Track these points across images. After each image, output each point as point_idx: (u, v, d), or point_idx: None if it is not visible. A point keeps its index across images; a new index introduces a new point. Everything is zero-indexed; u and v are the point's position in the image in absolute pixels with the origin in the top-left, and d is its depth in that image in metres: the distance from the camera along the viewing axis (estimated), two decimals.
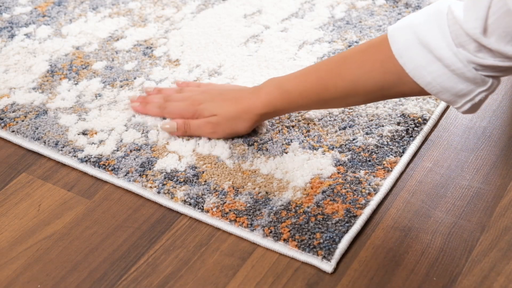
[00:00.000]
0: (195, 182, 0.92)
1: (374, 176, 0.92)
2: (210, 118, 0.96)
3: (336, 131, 0.99)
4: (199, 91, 1.01)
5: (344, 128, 1.00)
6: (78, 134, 1.01)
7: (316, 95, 0.90)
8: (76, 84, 1.10)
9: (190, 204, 0.90)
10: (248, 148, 0.97)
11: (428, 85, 0.81)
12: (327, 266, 0.82)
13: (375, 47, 0.86)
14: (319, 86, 0.90)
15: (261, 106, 0.94)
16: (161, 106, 1.01)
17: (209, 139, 0.98)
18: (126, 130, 1.01)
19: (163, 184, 0.92)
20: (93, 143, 0.99)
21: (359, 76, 0.86)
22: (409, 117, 1.01)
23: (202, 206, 0.89)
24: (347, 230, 0.85)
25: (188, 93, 1.01)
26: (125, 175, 0.94)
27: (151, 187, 0.92)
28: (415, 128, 0.99)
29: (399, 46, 0.81)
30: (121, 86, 1.09)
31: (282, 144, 0.98)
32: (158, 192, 0.91)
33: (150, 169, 0.94)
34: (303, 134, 0.99)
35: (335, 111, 1.02)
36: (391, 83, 0.84)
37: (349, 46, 1.15)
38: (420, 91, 0.83)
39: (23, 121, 1.03)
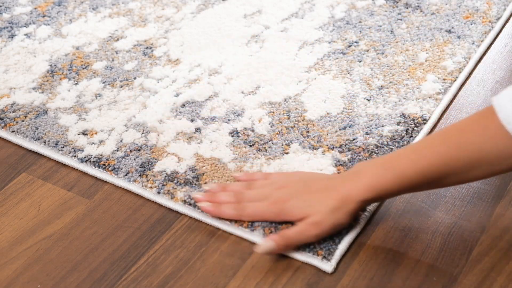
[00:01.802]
0: (196, 184, 0.92)
1: None
2: (309, 220, 0.82)
3: (336, 131, 0.99)
4: (276, 186, 0.86)
5: (344, 128, 1.00)
6: (78, 134, 1.01)
7: (435, 172, 0.81)
8: (76, 84, 1.10)
9: (190, 204, 0.90)
10: (248, 149, 0.97)
11: None
12: (327, 266, 0.82)
13: (483, 116, 0.80)
14: (438, 161, 0.80)
15: (363, 190, 0.82)
16: (237, 208, 0.86)
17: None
18: (126, 130, 1.01)
19: (163, 185, 0.92)
20: (93, 143, 0.99)
21: (482, 144, 0.79)
22: (409, 117, 1.01)
23: None
24: (347, 231, 0.85)
25: (262, 189, 0.87)
26: (125, 175, 0.94)
27: (151, 187, 0.92)
28: (415, 128, 0.99)
29: (507, 113, 0.76)
30: (121, 86, 1.09)
31: (282, 145, 0.98)
32: (158, 193, 0.91)
33: (150, 169, 0.94)
34: (302, 135, 0.99)
35: (334, 110, 1.02)
36: (508, 152, 0.78)
37: (349, 46, 1.15)
38: None
39: (23, 121, 1.03)
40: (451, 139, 0.81)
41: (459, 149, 0.79)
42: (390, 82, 1.07)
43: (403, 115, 1.01)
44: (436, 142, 0.82)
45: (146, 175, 0.93)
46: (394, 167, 0.81)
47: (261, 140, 0.98)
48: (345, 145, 0.97)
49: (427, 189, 0.86)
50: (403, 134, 0.98)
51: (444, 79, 1.07)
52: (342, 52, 1.14)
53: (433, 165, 0.80)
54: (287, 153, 0.96)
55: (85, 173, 0.96)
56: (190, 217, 0.89)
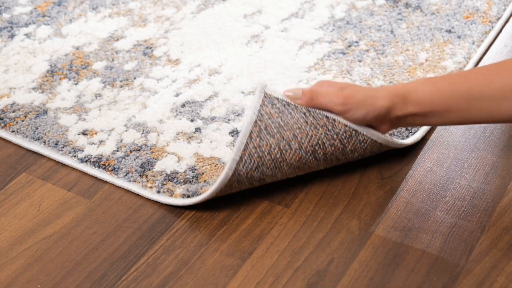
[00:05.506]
0: (195, 182, 0.92)
1: None
2: (341, 85, 0.87)
3: None
4: None
5: None
6: (78, 134, 1.00)
7: (465, 88, 0.83)
8: (76, 84, 1.10)
9: (188, 196, 0.89)
10: None
11: None
12: None
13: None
14: (470, 79, 0.83)
15: (394, 88, 0.86)
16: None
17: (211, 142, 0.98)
18: (126, 131, 1.01)
19: (163, 184, 0.92)
20: (93, 143, 0.99)
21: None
22: None
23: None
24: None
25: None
26: (125, 175, 0.94)
27: (151, 187, 0.92)
28: (415, 128, 0.99)
29: None
30: (121, 86, 1.09)
31: None
32: (158, 192, 0.91)
33: (150, 169, 0.94)
34: None
35: None
36: None
37: (349, 46, 1.15)
38: None
39: (23, 121, 1.03)
40: (489, 67, 0.84)
41: (494, 74, 0.82)
42: (390, 82, 1.07)
43: None
44: (471, 70, 0.87)
45: (146, 175, 0.93)
46: (427, 79, 0.86)
47: None
48: None
49: (460, 114, 0.85)
50: (402, 130, 0.98)
51: None
52: (342, 52, 1.14)
53: (464, 82, 0.83)
54: None
55: (85, 173, 0.95)
56: (190, 218, 0.89)
